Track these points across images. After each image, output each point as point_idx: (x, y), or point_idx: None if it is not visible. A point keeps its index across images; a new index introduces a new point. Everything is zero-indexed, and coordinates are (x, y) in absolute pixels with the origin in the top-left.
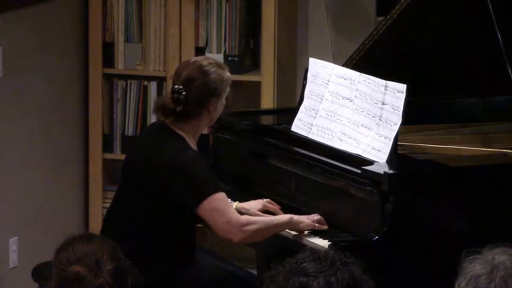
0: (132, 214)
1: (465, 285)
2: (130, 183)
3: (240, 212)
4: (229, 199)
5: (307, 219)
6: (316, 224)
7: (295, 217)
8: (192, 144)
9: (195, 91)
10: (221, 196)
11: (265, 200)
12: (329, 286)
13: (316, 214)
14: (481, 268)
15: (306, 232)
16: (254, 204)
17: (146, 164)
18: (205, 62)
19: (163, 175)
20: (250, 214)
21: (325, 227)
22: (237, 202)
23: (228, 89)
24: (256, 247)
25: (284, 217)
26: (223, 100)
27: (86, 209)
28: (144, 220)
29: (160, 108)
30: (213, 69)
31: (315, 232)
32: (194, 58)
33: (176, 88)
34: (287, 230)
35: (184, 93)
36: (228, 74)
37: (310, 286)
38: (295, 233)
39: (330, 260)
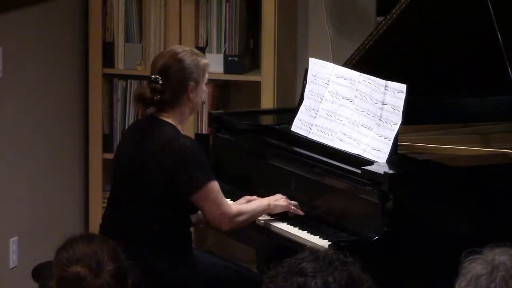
0: (127, 215)
1: (466, 285)
2: (123, 183)
3: None
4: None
5: (284, 202)
6: (292, 207)
7: (272, 202)
8: (182, 132)
9: (172, 78)
10: (215, 185)
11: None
12: (327, 286)
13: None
14: (482, 268)
15: (269, 216)
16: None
17: (139, 157)
18: (179, 50)
19: (158, 163)
20: None
21: (301, 212)
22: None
23: (206, 75)
24: (256, 247)
25: (263, 204)
26: (203, 87)
27: (86, 209)
28: (139, 219)
29: (138, 98)
30: (187, 55)
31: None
32: (169, 48)
33: (153, 77)
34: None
35: (160, 82)
36: (204, 60)
37: (308, 286)
38: (267, 218)
39: (329, 260)
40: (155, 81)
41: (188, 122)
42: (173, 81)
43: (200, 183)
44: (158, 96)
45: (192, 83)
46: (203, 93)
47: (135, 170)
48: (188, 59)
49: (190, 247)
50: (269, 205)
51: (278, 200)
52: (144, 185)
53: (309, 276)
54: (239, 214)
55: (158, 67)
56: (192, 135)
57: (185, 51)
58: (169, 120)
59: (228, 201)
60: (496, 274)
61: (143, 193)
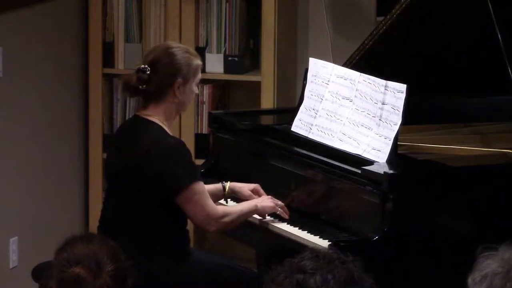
0: (121, 215)
1: (480, 280)
2: (115, 185)
3: (234, 191)
4: (223, 181)
5: (271, 203)
6: (279, 209)
7: (259, 204)
8: (169, 131)
9: (160, 71)
10: (200, 186)
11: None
12: (326, 283)
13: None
14: (498, 267)
15: (268, 217)
16: (247, 185)
17: (128, 159)
18: (174, 45)
19: (145, 164)
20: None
21: (286, 216)
22: (228, 182)
23: (198, 76)
24: (256, 247)
25: (250, 205)
26: (192, 87)
27: (86, 209)
28: (133, 219)
29: (124, 86)
30: (180, 51)
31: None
32: (163, 42)
33: (142, 67)
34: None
35: (148, 72)
36: (197, 61)
37: (307, 283)
38: (260, 218)
39: (328, 258)
40: (143, 70)
41: (188, 123)
42: (160, 74)
43: (184, 184)
44: (144, 86)
45: (179, 80)
46: (192, 93)
47: (125, 172)
48: (179, 55)
49: (187, 245)
50: (256, 206)
51: (265, 201)
52: (135, 186)
53: (308, 273)
54: (225, 215)
55: (149, 58)
56: (192, 135)
57: (179, 47)
58: (155, 120)
59: (230, 201)
60: None
61: (135, 194)
